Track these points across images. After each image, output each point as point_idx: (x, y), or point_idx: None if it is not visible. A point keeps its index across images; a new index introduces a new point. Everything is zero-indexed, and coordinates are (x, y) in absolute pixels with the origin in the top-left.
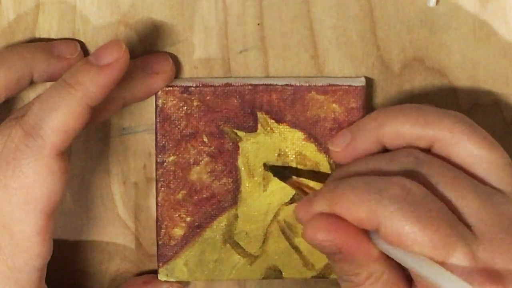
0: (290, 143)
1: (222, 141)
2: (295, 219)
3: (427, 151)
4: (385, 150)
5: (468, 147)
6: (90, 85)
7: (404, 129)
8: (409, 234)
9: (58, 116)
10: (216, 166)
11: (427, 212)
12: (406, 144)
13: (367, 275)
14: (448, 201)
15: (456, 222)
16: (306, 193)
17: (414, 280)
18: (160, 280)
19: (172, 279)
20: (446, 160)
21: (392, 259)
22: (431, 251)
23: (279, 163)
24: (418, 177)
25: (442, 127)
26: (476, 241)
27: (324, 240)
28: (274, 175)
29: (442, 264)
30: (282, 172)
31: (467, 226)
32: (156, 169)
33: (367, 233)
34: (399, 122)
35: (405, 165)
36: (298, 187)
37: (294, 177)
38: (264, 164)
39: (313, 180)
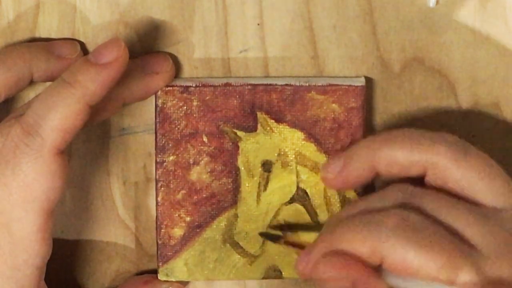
0: (290, 143)
1: (222, 141)
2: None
3: (421, 178)
4: (378, 176)
5: (461, 171)
6: (89, 83)
7: (398, 155)
8: (414, 260)
9: (57, 115)
10: (216, 166)
11: (429, 237)
12: (400, 170)
13: None
14: (447, 225)
15: (459, 243)
16: (301, 249)
17: None
18: (160, 280)
19: (172, 279)
20: (441, 185)
21: None
22: (439, 273)
23: (280, 170)
24: (413, 207)
25: (435, 152)
26: (482, 257)
27: (337, 275)
28: (267, 239)
29: (452, 284)
30: (274, 235)
31: (471, 246)
32: (156, 169)
33: (376, 270)
34: (392, 149)
35: (396, 200)
36: (294, 245)
37: (287, 236)
38: (260, 234)
39: (306, 231)
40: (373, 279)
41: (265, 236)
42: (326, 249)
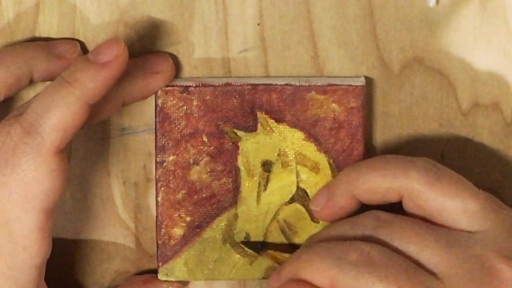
0: (290, 143)
1: (221, 141)
2: None
3: (399, 202)
4: (363, 204)
5: (434, 196)
6: (89, 83)
7: (374, 184)
8: None
9: (57, 114)
10: (215, 166)
11: (388, 270)
12: (379, 197)
13: None
14: (411, 255)
15: (420, 273)
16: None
17: None
18: (160, 280)
19: (172, 279)
20: (417, 210)
21: None
22: None
23: (280, 170)
24: (379, 238)
25: (409, 178)
26: (443, 285)
27: None
28: (250, 249)
29: None
30: (256, 246)
31: (434, 274)
32: (156, 169)
33: None
34: (368, 178)
35: (367, 228)
36: (274, 259)
37: (269, 251)
38: (242, 242)
39: (286, 252)
40: None
41: (247, 245)
42: (291, 274)
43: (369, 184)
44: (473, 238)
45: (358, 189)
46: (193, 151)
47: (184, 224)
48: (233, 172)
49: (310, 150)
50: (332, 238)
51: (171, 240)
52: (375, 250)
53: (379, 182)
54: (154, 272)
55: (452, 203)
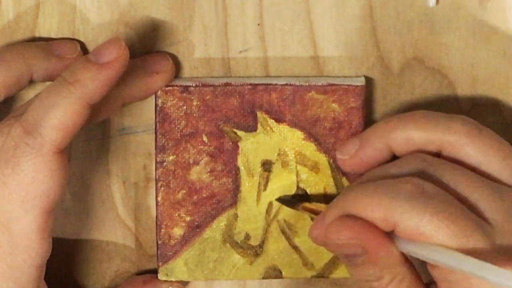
0: (289, 143)
1: (221, 140)
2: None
3: (437, 155)
4: (393, 158)
5: (476, 148)
6: (90, 83)
7: (414, 134)
8: (427, 227)
9: (57, 114)
10: (215, 166)
11: (442, 205)
12: (416, 149)
13: (390, 279)
14: (461, 197)
15: (471, 213)
16: (316, 215)
17: (437, 281)
18: (160, 280)
19: (172, 279)
20: (456, 163)
21: (411, 264)
22: (450, 240)
23: (280, 170)
24: (428, 177)
25: (450, 130)
26: (492, 229)
27: (349, 238)
28: (285, 205)
29: (463, 251)
30: (291, 201)
31: (484, 218)
32: (156, 169)
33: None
34: (408, 128)
35: (414, 168)
36: (311, 211)
37: (305, 203)
38: (277, 199)
39: (323, 203)
40: (385, 243)
41: (282, 201)
42: (339, 214)
43: (409, 136)
44: None
45: (394, 139)
46: (193, 151)
47: (184, 224)
48: (233, 172)
49: (310, 150)
50: (377, 178)
51: (171, 240)
52: (428, 185)
53: (419, 133)
54: (154, 272)
55: (493, 157)
